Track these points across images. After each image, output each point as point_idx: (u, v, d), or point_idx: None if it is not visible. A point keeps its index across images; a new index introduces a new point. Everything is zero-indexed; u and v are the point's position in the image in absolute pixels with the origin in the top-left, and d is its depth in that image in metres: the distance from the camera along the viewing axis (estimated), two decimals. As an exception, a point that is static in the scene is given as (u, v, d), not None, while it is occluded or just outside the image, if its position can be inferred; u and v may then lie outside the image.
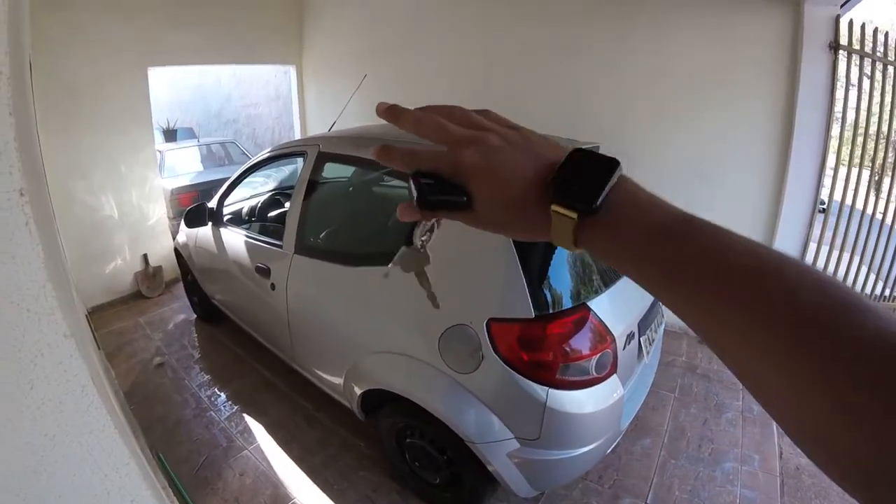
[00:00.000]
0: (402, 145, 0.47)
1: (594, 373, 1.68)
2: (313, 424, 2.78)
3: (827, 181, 3.30)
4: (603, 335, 1.70)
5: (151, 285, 4.46)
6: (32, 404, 0.81)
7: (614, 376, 1.77)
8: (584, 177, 0.38)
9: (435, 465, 2.08)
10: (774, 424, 2.98)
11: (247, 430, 2.77)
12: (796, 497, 2.56)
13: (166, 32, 4.35)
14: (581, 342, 1.65)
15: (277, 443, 2.66)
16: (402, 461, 2.23)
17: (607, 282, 1.85)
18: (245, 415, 2.88)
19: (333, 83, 5.30)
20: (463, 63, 4.42)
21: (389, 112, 0.48)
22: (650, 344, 2.13)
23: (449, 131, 0.44)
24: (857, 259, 3.63)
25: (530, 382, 1.62)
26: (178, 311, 4.20)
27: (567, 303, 1.68)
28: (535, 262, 1.65)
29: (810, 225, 3.33)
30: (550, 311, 1.63)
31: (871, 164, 3.45)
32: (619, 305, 1.85)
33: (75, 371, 0.88)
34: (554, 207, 0.39)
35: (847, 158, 3.40)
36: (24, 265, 0.76)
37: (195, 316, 4.03)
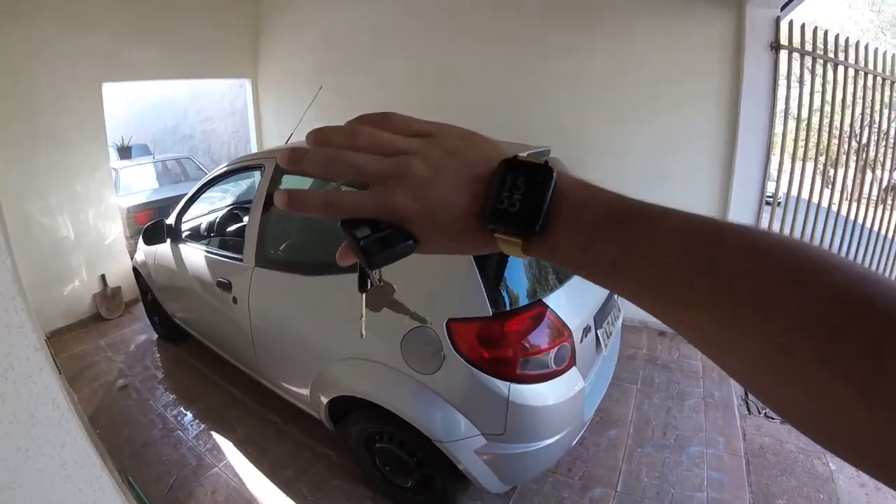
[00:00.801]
0: (315, 191, 0.40)
1: (553, 366, 1.73)
2: (283, 437, 2.76)
3: (777, 174, 3.47)
4: (560, 329, 1.75)
5: (111, 306, 4.34)
6: (4, 418, 0.82)
7: (574, 369, 1.83)
8: (518, 197, 0.36)
9: (406, 468, 2.10)
10: (736, 408, 3.11)
11: (216, 448, 2.72)
12: (762, 475, 2.66)
13: (122, 47, 4.27)
14: (539, 337, 1.70)
15: (248, 458, 2.63)
16: (373, 467, 2.24)
17: (562, 279, 1.91)
18: (213, 432, 2.84)
19: (290, 96, 5.28)
20: (420, 76, 4.49)
21: (290, 160, 0.40)
22: (608, 337, 2.19)
23: (364, 170, 0.38)
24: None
25: (492, 378, 1.66)
26: (139, 331, 4.10)
27: (523, 300, 1.73)
28: (491, 263, 1.70)
29: (758, 216, 3.48)
30: (507, 309, 1.68)
31: (822, 157, 3.63)
32: (575, 300, 1.91)
33: (46, 384, 0.89)
34: (496, 234, 0.37)
35: (796, 153, 3.56)
36: None
37: (157, 336, 3.95)
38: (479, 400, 1.72)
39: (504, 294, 1.69)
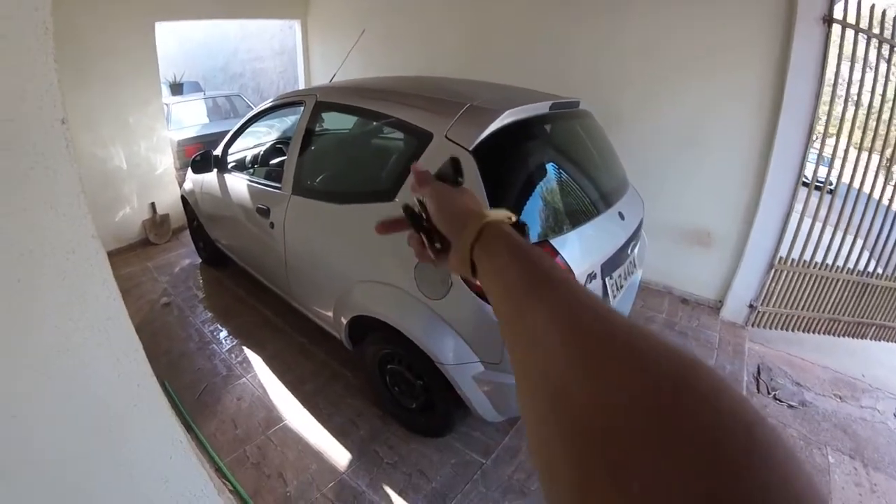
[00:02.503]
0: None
1: (553, 302, 1.84)
2: (308, 357, 3.00)
3: (832, 159, 3.33)
4: (563, 268, 1.86)
5: (159, 232, 4.67)
6: (62, 293, 0.98)
7: (573, 309, 1.94)
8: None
9: (412, 390, 2.28)
10: (745, 384, 3.16)
11: (245, 361, 2.99)
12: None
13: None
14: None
15: (273, 372, 2.89)
16: (384, 387, 2.44)
17: (575, 224, 2.00)
18: (244, 348, 3.11)
19: (338, 38, 5.38)
20: (463, 26, 4.52)
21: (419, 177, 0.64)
22: (617, 289, 2.28)
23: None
24: (848, 236, 3.69)
25: (491, 307, 1.79)
26: (185, 256, 4.41)
27: (532, 238, 1.84)
28: (502, 199, 1.81)
29: (794, 197, 3.41)
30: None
31: (889, 150, 3.47)
32: (583, 246, 2.00)
33: (99, 266, 1.06)
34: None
35: (863, 141, 3.42)
36: (62, 178, 0.94)
37: (200, 260, 4.24)
38: (479, 327, 1.86)
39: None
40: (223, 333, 3.27)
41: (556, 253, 1.84)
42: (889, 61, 3.27)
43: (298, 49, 5.88)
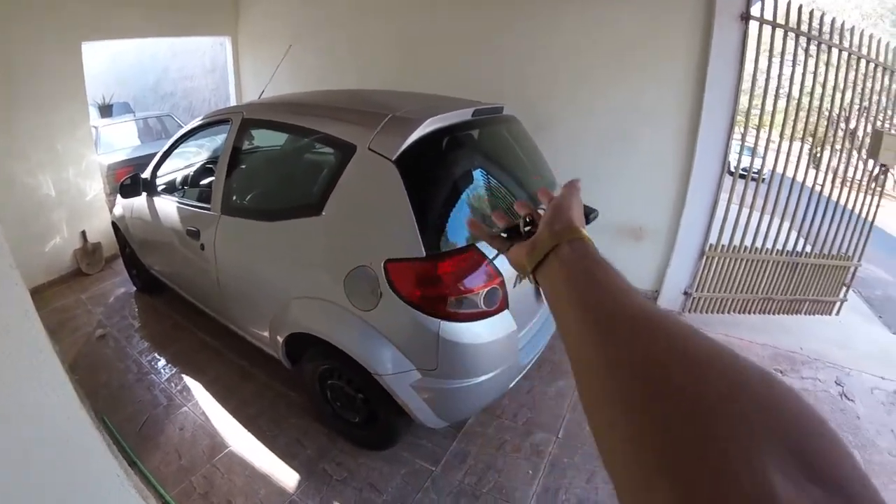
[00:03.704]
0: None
1: (483, 306, 1.87)
2: (249, 379, 2.93)
3: (764, 150, 3.51)
4: (491, 273, 1.89)
5: (91, 262, 4.46)
6: None
7: (506, 311, 1.98)
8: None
9: (353, 404, 2.26)
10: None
11: (185, 389, 2.89)
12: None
13: (101, 6, 4.28)
14: (470, 279, 1.84)
15: (215, 398, 2.80)
16: (326, 403, 2.41)
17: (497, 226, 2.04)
18: (184, 375, 3.00)
19: (268, 54, 5.26)
20: (394, 37, 4.54)
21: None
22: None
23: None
24: (775, 219, 3.88)
25: (424, 315, 1.80)
26: (119, 284, 4.23)
27: (459, 244, 1.86)
28: (426, 208, 1.83)
29: (719, 186, 3.57)
30: (441, 251, 1.81)
31: (811, 138, 3.68)
32: (512, 250, 2.04)
33: (20, 297, 1.00)
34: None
35: (784, 131, 3.60)
36: None
37: (135, 288, 4.08)
38: (413, 336, 1.87)
39: (439, 237, 1.82)
40: (161, 362, 3.15)
41: (481, 255, 1.87)
42: (806, 54, 3.49)
43: (229, 66, 5.78)
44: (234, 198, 2.53)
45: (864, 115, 4.06)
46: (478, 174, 2.11)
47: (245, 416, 2.65)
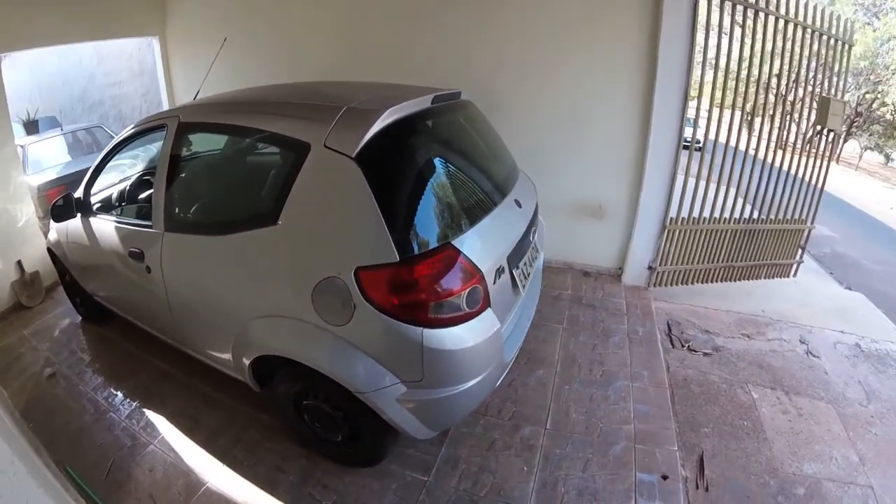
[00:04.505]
0: None
1: (466, 308, 1.75)
2: (215, 406, 2.72)
3: (697, 120, 3.54)
4: (470, 271, 1.76)
5: (31, 293, 4.10)
6: None
7: (489, 310, 1.86)
8: None
9: (333, 423, 2.11)
10: (660, 342, 3.26)
11: (149, 425, 2.66)
12: (687, 405, 2.82)
13: (14, 13, 3.89)
14: (449, 280, 1.71)
15: (182, 431, 2.58)
16: (303, 425, 2.24)
17: (473, 220, 1.91)
18: (145, 409, 2.76)
19: (200, 52, 4.87)
20: (327, 26, 4.35)
21: None
22: (525, 277, 2.23)
23: None
24: (722, 190, 3.95)
25: (404, 325, 1.66)
26: (62, 315, 3.90)
27: (432, 243, 1.72)
28: (395, 207, 1.67)
29: (676, 160, 3.58)
30: (416, 253, 1.67)
31: (747, 106, 3.73)
32: (486, 242, 1.92)
33: None
34: None
35: (722, 101, 3.65)
36: None
37: (80, 318, 3.77)
38: (394, 347, 1.72)
39: (411, 237, 1.67)
40: (119, 397, 2.90)
41: (458, 253, 1.74)
42: (744, 22, 3.50)
43: (159, 68, 5.41)
44: (178, 212, 2.30)
45: (806, 81, 4.14)
46: (443, 164, 1.97)
47: (217, 448, 2.44)
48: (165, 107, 5.44)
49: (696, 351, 3.37)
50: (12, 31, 3.93)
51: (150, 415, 2.73)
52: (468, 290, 1.74)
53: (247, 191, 2.29)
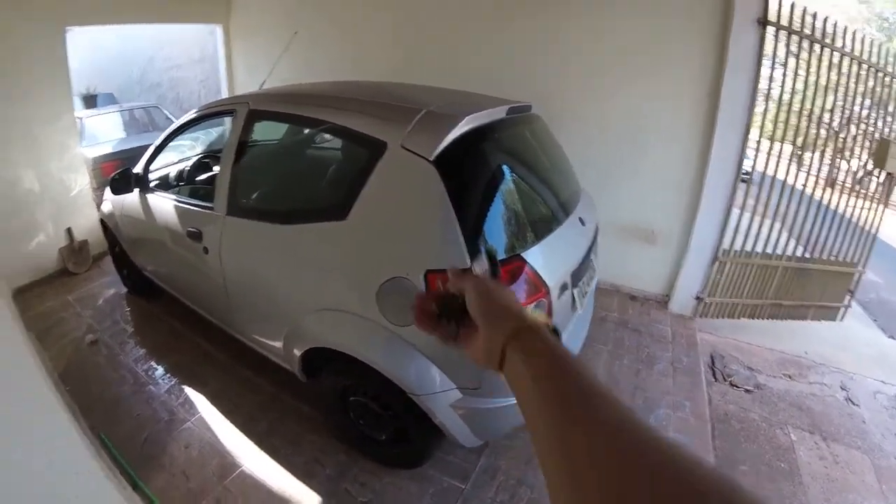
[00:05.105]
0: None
1: (530, 321, 1.72)
2: (255, 391, 2.75)
3: (752, 153, 3.47)
4: (538, 285, 1.74)
5: (78, 261, 4.21)
6: None
7: (550, 325, 1.83)
8: None
9: (380, 421, 2.10)
10: (703, 374, 3.19)
11: (188, 402, 2.70)
12: (727, 440, 2.75)
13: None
14: (517, 292, 1.69)
15: (220, 412, 2.61)
16: (347, 420, 2.24)
17: (540, 235, 1.89)
18: (185, 387, 2.81)
19: (262, 43, 5.08)
20: (394, 29, 4.36)
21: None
22: (583, 297, 2.20)
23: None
24: (777, 225, 3.85)
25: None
26: (108, 285, 3.99)
27: (501, 253, 1.70)
28: (469, 213, 1.66)
29: (733, 192, 3.50)
30: (486, 262, 1.65)
31: (798, 140, 3.63)
32: (553, 258, 1.90)
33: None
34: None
35: (771, 132, 3.56)
36: None
37: (125, 290, 3.84)
38: (456, 353, 1.70)
39: (483, 246, 1.66)
40: (159, 372, 2.95)
41: (527, 265, 1.72)
42: (820, 61, 3.40)
43: (220, 55, 5.50)
44: (242, 197, 2.31)
45: (859, 119, 4.01)
46: (514, 176, 1.94)
47: (255, 433, 2.47)
48: (224, 93, 5.57)
49: (738, 387, 3.29)
50: (79, 8, 4.05)
51: (190, 392, 2.76)
52: (534, 303, 1.72)
53: (315, 183, 2.31)
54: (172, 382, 2.85)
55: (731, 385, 3.30)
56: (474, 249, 1.62)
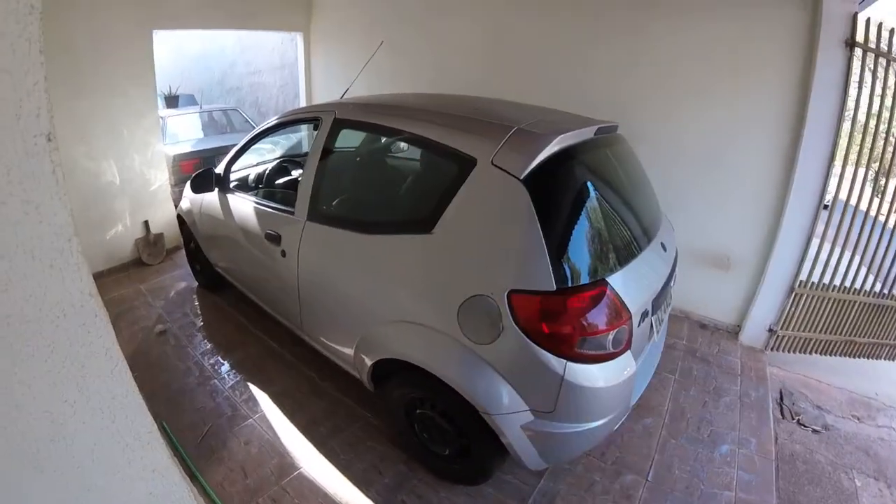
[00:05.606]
0: None
1: (610, 348, 1.69)
2: (319, 394, 2.79)
3: (832, 179, 3.31)
4: (620, 311, 1.70)
5: (153, 252, 4.42)
6: (53, 368, 0.77)
7: (628, 352, 1.79)
8: None
9: (444, 436, 2.09)
10: (770, 410, 3.05)
11: (251, 399, 2.76)
12: (790, 482, 2.62)
13: (173, -5, 4.24)
14: (599, 317, 1.65)
15: (283, 412, 2.66)
16: (411, 432, 2.24)
17: (622, 260, 1.85)
18: (249, 384, 2.88)
19: (343, 51, 5.22)
20: (477, 39, 4.37)
21: None
22: (659, 324, 2.14)
23: None
24: (856, 258, 3.66)
25: (549, 355, 1.62)
26: (180, 278, 4.17)
27: (584, 277, 1.68)
28: (556, 234, 1.64)
29: (814, 221, 3.34)
30: (570, 285, 1.63)
31: (877, 165, 3.44)
32: (636, 283, 1.85)
33: (100, 333, 0.83)
34: None
35: (854, 158, 3.39)
36: (49, 216, 0.71)
37: (197, 284, 4.00)
38: (532, 375, 1.69)
39: (567, 268, 1.63)
40: (225, 367, 3.04)
41: (612, 291, 1.69)
42: (885, 77, 3.22)
43: (300, 63, 5.69)
44: (324, 204, 2.37)
45: None
46: (600, 199, 1.91)
47: (316, 436, 2.50)
48: (303, 100, 5.74)
49: (805, 426, 3.13)
50: (167, 11, 4.27)
51: (254, 389, 2.83)
52: (616, 330, 1.68)
53: (399, 195, 2.34)
54: (237, 378, 2.93)
55: (799, 424, 3.14)
56: (561, 273, 1.61)
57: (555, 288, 1.59)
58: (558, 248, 1.63)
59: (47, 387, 0.77)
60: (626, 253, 1.88)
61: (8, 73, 0.59)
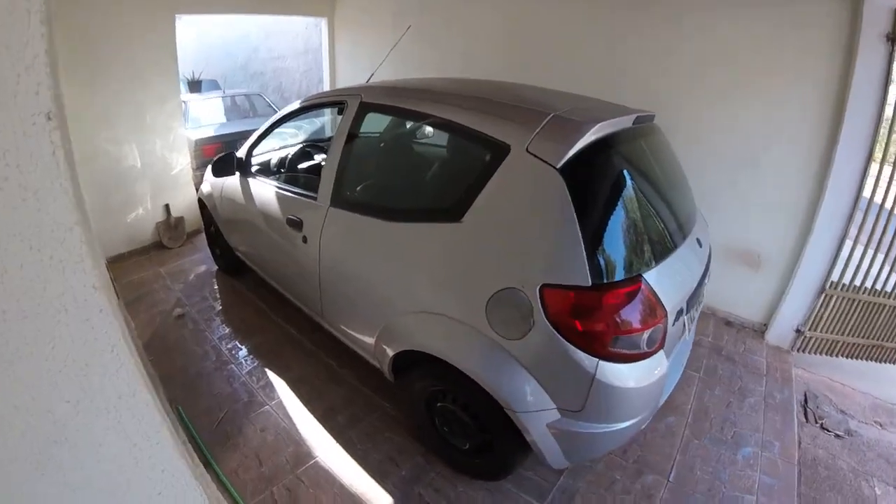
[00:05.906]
0: None
1: (644, 347, 1.62)
2: (337, 382, 2.76)
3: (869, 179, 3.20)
4: (656, 309, 1.64)
5: (173, 236, 4.43)
6: (54, 367, 0.73)
7: (661, 352, 1.72)
8: None
9: (465, 431, 2.05)
10: (795, 414, 2.98)
11: (268, 386, 2.75)
12: (812, 487, 2.56)
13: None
14: (635, 315, 1.59)
15: (300, 399, 2.64)
16: (431, 425, 2.20)
17: (658, 256, 1.78)
18: (267, 370, 2.86)
19: (366, 37, 5.16)
20: (505, 27, 4.28)
21: None
22: (692, 322, 2.07)
23: None
24: (889, 260, 3.54)
25: (581, 352, 1.56)
26: (199, 262, 4.17)
27: (620, 272, 1.61)
28: (593, 228, 1.57)
29: (849, 220, 3.24)
30: (605, 280, 1.56)
31: None
32: (672, 281, 1.78)
33: (104, 328, 0.78)
34: None
35: (892, 159, 3.27)
36: (48, 203, 0.65)
37: (216, 268, 4.00)
38: (562, 373, 1.63)
39: (602, 262, 1.57)
40: (242, 352, 3.03)
41: (649, 288, 1.62)
42: None
43: (324, 48, 5.64)
44: (348, 190, 2.32)
45: None
46: (637, 191, 1.83)
47: (334, 425, 2.48)
48: (327, 85, 5.71)
49: (829, 431, 3.06)
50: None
51: (272, 376, 2.82)
52: (651, 329, 1.62)
53: (427, 182, 2.28)
54: (255, 364, 2.92)
55: (823, 428, 3.07)
56: (597, 268, 1.54)
57: (590, 283, 1.53)
58: (594, 242, 1.57)
59: (48, 386, 0.73)
60: (662, 248, 1.81)
61: (5, 47, 0.54)
